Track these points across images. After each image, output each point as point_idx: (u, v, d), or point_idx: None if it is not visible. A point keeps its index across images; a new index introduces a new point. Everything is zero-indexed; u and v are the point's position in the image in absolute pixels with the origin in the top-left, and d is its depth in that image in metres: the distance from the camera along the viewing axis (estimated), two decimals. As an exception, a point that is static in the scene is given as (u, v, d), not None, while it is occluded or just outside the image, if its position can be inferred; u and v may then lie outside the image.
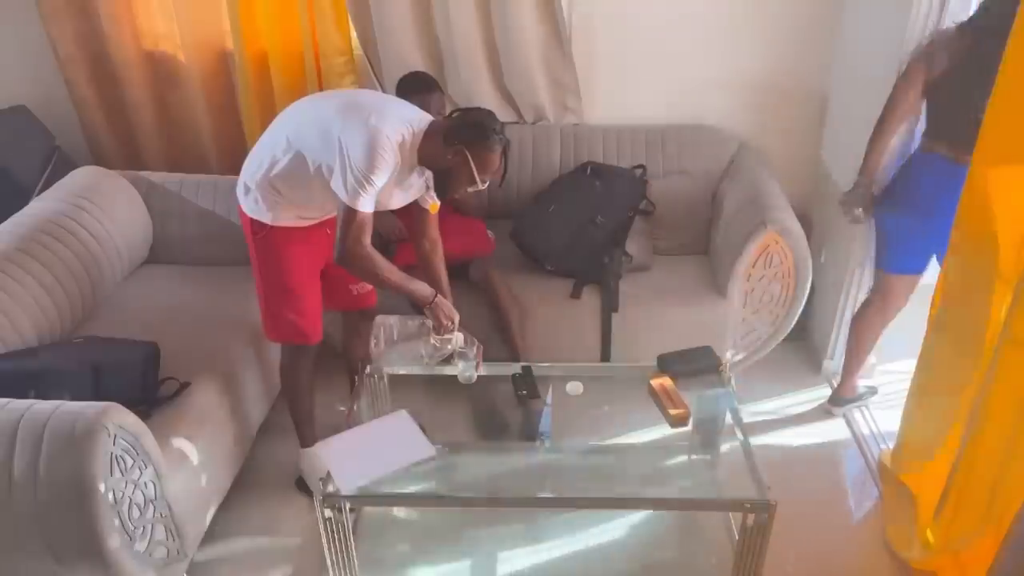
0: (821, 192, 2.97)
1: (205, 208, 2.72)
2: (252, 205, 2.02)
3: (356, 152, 1.80)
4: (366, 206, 1.84)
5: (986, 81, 1.71)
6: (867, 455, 2.50)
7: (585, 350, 2.63)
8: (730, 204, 2.76)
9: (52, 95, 2.97)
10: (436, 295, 2.04)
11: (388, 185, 1.89)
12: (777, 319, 2.61)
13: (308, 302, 2.14)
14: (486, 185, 1.91)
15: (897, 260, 2.41)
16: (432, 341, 2.06)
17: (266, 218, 2.00)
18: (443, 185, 1.95)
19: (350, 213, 1.84)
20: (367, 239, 1.88)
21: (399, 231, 2.59)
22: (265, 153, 1.98)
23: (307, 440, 2.34)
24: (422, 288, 2.02)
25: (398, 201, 2.00)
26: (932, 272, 2.06)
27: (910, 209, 2.28)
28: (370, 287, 2.29)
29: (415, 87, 2.51)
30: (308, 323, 2.15)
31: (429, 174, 1.99)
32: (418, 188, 2.03)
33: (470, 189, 1.91)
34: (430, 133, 1.90)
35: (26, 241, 2.29)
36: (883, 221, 2.41)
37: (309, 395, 2.31)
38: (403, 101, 2.04)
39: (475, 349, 2.08)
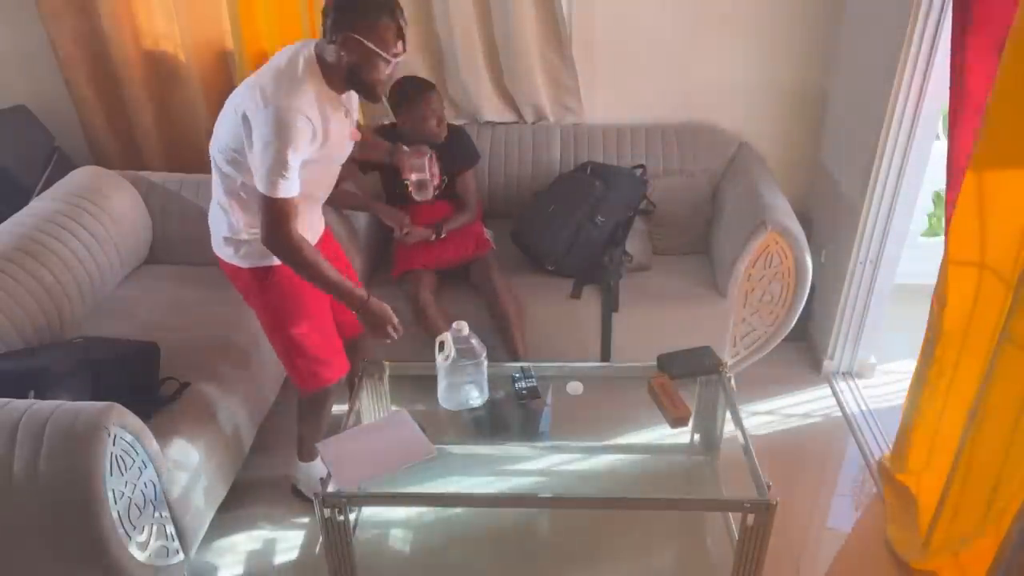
0: (821, 192, 2.97)
1: (205, 208, 2.68)
2: (246, 254, 1.92)
3: (262, 135, 1.67)
4: (288, 191, 1.71)
5: None
6: (867, 455, 2.50)
7: (585, 350, 2.63)
8: (730, 204, 2.76)
9: (52, 95, 2.97)
10: (370, 298, 1.91)
11: (326, 144, 1.78)
12: (777, 319, 2.61)
13: (329, 338, 2.07)
14: (398, 59, 1.76)
15: None
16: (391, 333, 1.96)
17: (269, 259, 1.88)
18: (363, 85, 1.79)
19: (268, 201, 1.71)
20: (292, 226, 1.76)
21: (407, 225, 2.60)
22: (220, 196, 1.89)
23: (306, 455, 2.31)
24: (355, 290, 1.89)
25: (338, 140, 1.86)
26: (932, 272, 2.06)
27: None
28: None
29: (420, 87, 2.53)
30: (334, 360, 2.09)
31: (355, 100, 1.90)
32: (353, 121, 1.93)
33: (387, 72, 1.77)
34: (319, 53, 1.76)
35: (26, 241, 2.29)
36: None
37: (325, 423, 2.24)
38: (279, 55, 1.82)
39: None
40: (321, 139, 1.77)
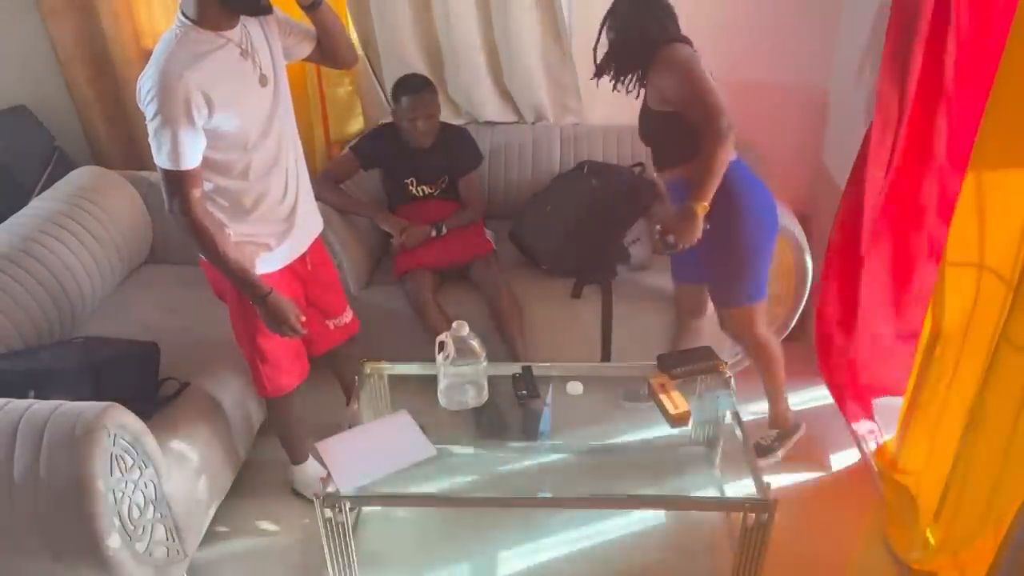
0: (821, 192, 2.97)
1: (205, 208, 2.71)
2: None
3: (144, 107, 1.61)
4: (173, 161, 1.62)
5: None
6: (867, 455, 2.50)
7: (585, 350, 2.63)
8: (730, 204, 2.76)
9: (52, 95, 2.97)
10: (271, 293, 1.82)
11: (226, 106, 1.64)
12: (777, 319, 2.61)
13: (292, 346, 2.05)
14: None
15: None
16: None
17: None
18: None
19: (160, 171, 1.65)
20: (194, 201, 1.67)
21: (406, 230, 2.60)
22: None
23: (296, 458, 2.32)
24: (257, 282, 1.81)
25: (243, 96, 1.70)
26: (931, 274, 2.06)
27: None
28: (348, 318, 2.25)
29: (413, 86, 2.53)
30: (294, 367, 2.10)
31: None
32: (267, 50, 1.76)
33: None
34: (183, 9, 1.65)
35: (26, 241, 2.29)
36: None
37: (300, 423, 2.26)
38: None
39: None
40: (219, 102, 1.64)
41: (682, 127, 2.02)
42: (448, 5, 2.77)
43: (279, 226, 1.92)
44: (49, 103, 2.98)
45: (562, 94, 2.98)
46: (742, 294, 2.17)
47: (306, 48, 1.90)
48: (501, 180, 2.98)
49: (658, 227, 2.01)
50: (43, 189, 2.65)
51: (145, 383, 2.06)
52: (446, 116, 2.83)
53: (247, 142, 1.75)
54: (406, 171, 2.67)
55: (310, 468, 2.32)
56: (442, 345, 1.98)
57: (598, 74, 2.18)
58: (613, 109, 3.01)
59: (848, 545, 2.26)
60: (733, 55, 2.89)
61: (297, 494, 2.37)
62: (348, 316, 2.27)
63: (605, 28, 2.16)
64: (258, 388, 2.12)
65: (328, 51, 1.91)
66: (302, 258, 2.02)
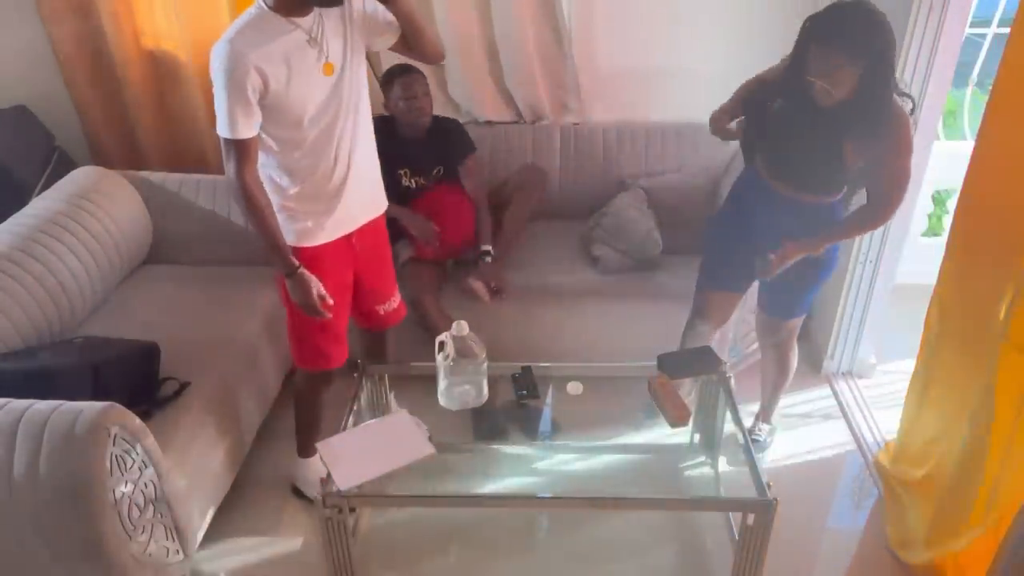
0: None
1: (205, 208, 2.72)
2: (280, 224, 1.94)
3: (212, 77, 1.72)
4: (231, 131, 1.73)
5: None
6: (867, 455, 2.50)
7: (585, 350, 2.63)
8: (730, 204, 2.76)
9: (52, 95, 2.97)
10: (300, 269, 1.90)
11: (288, 85, 1.74)
12: (778, 319, 2.61)
13: (333, 325, 2.08)
14: None
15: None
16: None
17: (291, 238, 1.93)
18: None
19: (220, 140, 1.77)
20: (244, 169, 1.78)
21: (433, 235, 2.61)
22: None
23: (305, 451, 2.32)
24: (289, 257, 1.89)
25: (305, 81, 1.78)
26: (932, 272, 2.06)
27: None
28: (395, 305, 2.28)
29: (400, 69, 2.56)
30: (333, 347, 2.12)
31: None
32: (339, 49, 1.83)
33: None
34: None
35: (26, 241, 2.29)
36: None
37: (320, 412, 2.27)
38: None
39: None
40: (275, 83, 1.73)
41: (839, 167, 1.92)
42: (448, 5, 2.77)
43: (321, 205, 1.95)
44: (49, 103, 2.98)
45: (562, 94, 2.98)
46: (802, 306, 2.24)
47: (389, 40, 1.94)
48: (501, 180, 2.98)
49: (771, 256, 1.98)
50: (43, 189, 2.65)
51: (145, 383, 2.06)
52: (439, 109, 2.83)
53: (300, 122, 1.83)
54: (399, 162, 2.67)
55: (315, 465, 2.31)
56: (442, 345, 1.98)
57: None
58: (613, 109, 3.02)
59: (848, 545, 2.26)
60: (734, 54, 2.88)
61: (298, 492, 2.36)
62: (395, 302, 2.28)
63: (836, 49, 1.76)
64: (298, 361, 2.17)
65: (413, 44, 1.93)
66: (348, 238, 2.04)
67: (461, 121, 2.99)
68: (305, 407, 2.27)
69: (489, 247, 2.65)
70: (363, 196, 2.04)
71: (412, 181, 2.71)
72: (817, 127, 1.88)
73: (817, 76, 1.79)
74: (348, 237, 2.04)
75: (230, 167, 1.79)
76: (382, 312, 2.25)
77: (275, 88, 1.74)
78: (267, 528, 2.29)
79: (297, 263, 1.91)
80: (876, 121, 1.80)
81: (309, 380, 2.20)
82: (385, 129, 2.68)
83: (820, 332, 2.94)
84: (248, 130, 1.75)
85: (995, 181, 1.77)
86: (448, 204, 2.69)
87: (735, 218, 2.19)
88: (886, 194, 1.90)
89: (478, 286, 2.56)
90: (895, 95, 1.80)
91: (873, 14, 1.76)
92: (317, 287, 1.93)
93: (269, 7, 1.75)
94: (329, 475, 1.82)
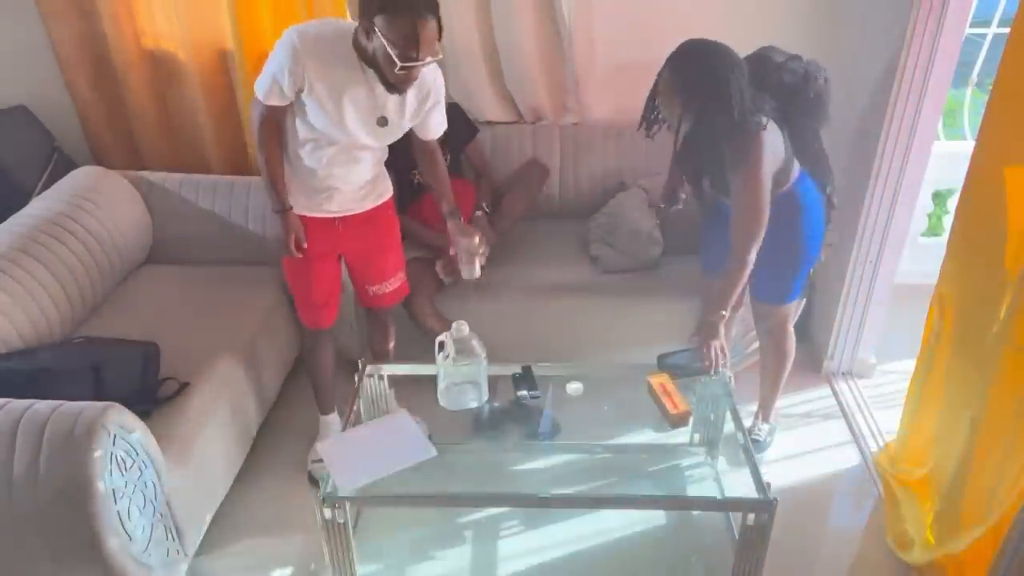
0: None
1: (205, 208, 2.72)
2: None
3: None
4: (261, 92, 1.90)
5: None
6: (867, 455, 2.50)
7: (585, 349, 2.63)
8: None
9: (52, 95, 2.97)
10: (288, 211, 2.05)
11: (328, 104, 1.87)
12: (778, 319, 2.61)
13: (316, 290, 2.21)
14: (413, 64, 1.73)
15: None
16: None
17: (297, 206, 2.09)
18: (380, 75, 1.83)
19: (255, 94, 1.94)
20: (263, 120, 1.95)
21: (438, 241, 2.60)
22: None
23: (325, 407, 2.45)
24: (280, 196, 2.03)
25: (352, 116, 1.91)
26: (932, 272, 2.06)
27: None
28: (387, 289, 2.32)
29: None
30: (322, 310, 2.25)
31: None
32: (394, 109, 1.96)
33: (397, 71, 1.73)
34: (357, 27, 1.82)
35: (26, 241, 2.29)
36: None
37: (325, 371, 2.40)
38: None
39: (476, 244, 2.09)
40: (319, 94, 1.86)
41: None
42: (448, 5, 2.75)
43: (304, 193, 2.09)
44: (49, 103, 2.98)
45: (562, 94, 2.98)
46: (789, 292, 2.27)
47: (417, 141, 2.14)
48: (501, 180, 2.98)
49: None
50: (43, 189, 2.65)
51: (145, 383, 2.06)
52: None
53: (326, 136, 1.97)
54: (409, 163, 2.67)
55: (335, 422, 2.45)
56: (442, 345, 1.98)
57: (647, 125, 2.19)
58: (613, 109, 3.02)
59: (848, 545, 2.26)
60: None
61: (313, 481, 2.36)
62: (388, 287, 2.33)
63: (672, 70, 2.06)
64: (300, 318, 2.33)
65: (423, 167, 2.22)
66: (331, 220, 2.13)
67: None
68: (310, 366, 2.41)
69: (485, 205, 2.72)
70: (351, 197, 2.14)
71: (422, 178, 2.71)
72: (699, 150, 2.10)
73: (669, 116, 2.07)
74: (332, 220, 2.13)
75: (254, 114, 1.97)
76: (371, 293, 2.32)
77: (316, 98, 1.87)
78: (267, 528, 2.29)
79: (289, 204, 2.04)
80: (719, 145, 2.01)
81: (308, 338, 2.36)
82: None
83: (820, 332, 2.94)
84: (275, 100, 1.91)
85: (995, 181, 1.77)
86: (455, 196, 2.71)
87: (720, 207, 2.24)
88: (741, 230, 2.02)
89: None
90: (746, 117, 1.92)
91: (691, 59, 2.04)
92: (297, 231, 2.06)
93: (353, 42, 1.83)
94: (329, 475, 1.82)
